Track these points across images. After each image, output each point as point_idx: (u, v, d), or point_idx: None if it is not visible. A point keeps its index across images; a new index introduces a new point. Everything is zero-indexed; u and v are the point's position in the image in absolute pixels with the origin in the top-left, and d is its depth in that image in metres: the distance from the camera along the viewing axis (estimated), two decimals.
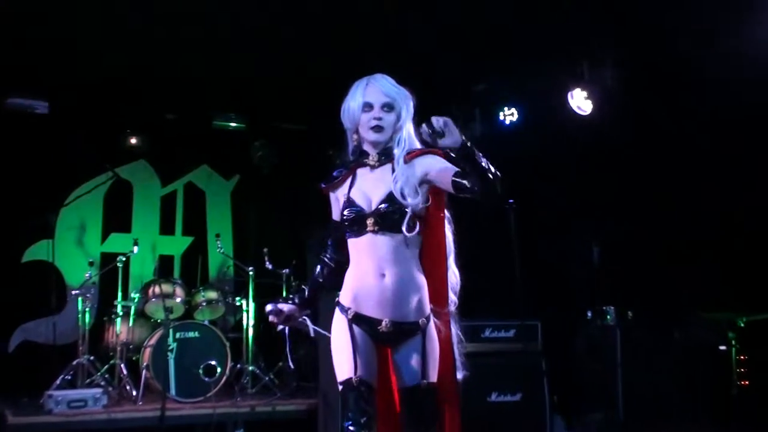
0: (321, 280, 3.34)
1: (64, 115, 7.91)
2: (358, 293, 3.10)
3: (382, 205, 3.07)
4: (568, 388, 6.48)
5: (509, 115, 7.38)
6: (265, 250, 7.69)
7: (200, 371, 6.87)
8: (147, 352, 6.92)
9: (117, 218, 8.64)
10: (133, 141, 8.46)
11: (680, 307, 6.30)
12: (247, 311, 7.62)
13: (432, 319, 3.13)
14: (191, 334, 7.03)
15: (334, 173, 3.27)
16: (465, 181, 2.92)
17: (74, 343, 7.24)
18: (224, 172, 9.24)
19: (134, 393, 6.71)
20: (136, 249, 7.50)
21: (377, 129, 3.13)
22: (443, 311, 3.16)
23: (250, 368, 7.37)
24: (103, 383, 6.84)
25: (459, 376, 3.19)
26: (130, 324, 7.29)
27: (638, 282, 6.56)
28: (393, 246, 3.05)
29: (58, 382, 6.65)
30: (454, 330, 3.20)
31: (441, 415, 3.11)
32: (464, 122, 7.67)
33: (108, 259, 7.93)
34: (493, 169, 2.89)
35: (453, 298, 3.21)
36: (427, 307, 3.12)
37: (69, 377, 6.81)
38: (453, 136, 2.85)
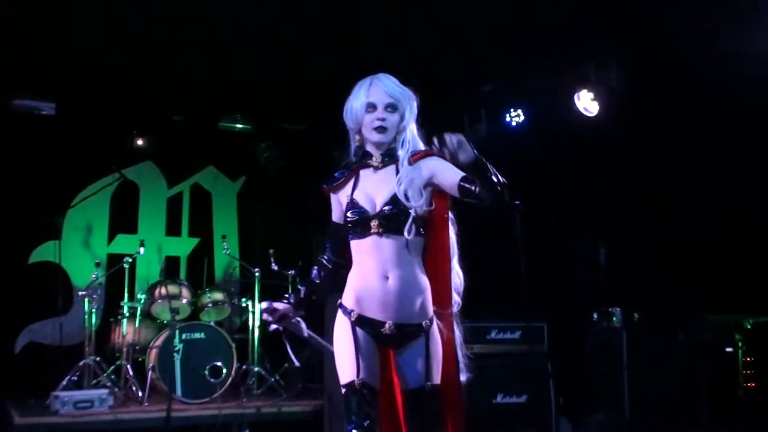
0: (317, 282, 3.30)
1: (71, 117, 7.93)
2: (361, 295, 3.08)
3: (386, 207, 3.06)
4: (574, 389, 6.47)
5: (515, 117, 7.36)
6: (271, 251, 7.70)
7: (206, 372, 6.87)
8: (153, 353, 6.93)
9: (123, 219, 8.67)
10: (140, 142, 8.49)
11: (686, 309, 6.27)
12: (253, 312, 7.62)
13: (435, 320, 3.11)
14: (197, 335, 7.04)
15: (336, 174, 3.25)
16: (472, 187, 2.91)
17: (80, 344, 7.27)
18: (230, 174, 9.26)
19: (140, 394, 6.72)
20: (142, 250, 7.52)
21: (380, 130, 3.10)
22: (446, 312, 3.14)
23: (256, 369, 7.38)
24: (109, 384, 6.85)
25: (462, 378, 3.17)
26: (137, 325, 7.30)
27: (645, 284, 6.54)
28: (397, 248, 3.03)
29: (64, 382, 6.66)
30: (457, 331, 3.17)
31: (444, 418, 3.08)
32: (470, 123, 7.68)
33: (114, 260, 7.96)
34: (501, 179, 2.87)
35: (456, 299, 3.18)
36: (431, 308, 3.10)
37: (75, 378, 6.82)
38: (466, 153, 2.84)
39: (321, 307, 4.57)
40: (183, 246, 8.96)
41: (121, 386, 6.98)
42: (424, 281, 3.10)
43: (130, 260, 7.46)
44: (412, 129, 3.17)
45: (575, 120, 6.66)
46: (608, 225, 6.95)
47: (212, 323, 7.31)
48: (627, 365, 6.16)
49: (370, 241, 3.06)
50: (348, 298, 3.12)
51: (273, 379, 7.26)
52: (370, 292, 3.05)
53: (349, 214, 3.12)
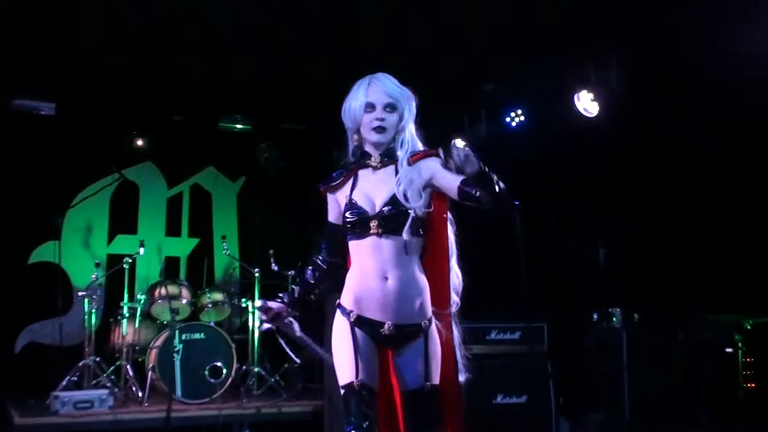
0: (312, 282, 3.26)
1: (71, 117, 7.93)
2: (360, 296, 3.07)
3: (386, 208, 3.05)
4: (574, 390, 6.46)
5: (516, 117, 7.36)
6: (271, 251, 7.69)
7: (206, 372, 6.88)
8: (153, 354, 6.93)
9: (123, 220, 8.67)
10: (140, 143, 8.49)
11: (686, 309, 6.27)
12: (253, 313, 7.61)
13: (434, 321, 3.10)
14: (197, 336, 7.04)
15: (334, 174, 3.23)
16: (472, 191, 2.89)
17: (80, 345, 7.27)
18: (230, 174, 9.26)
19: (140, 394, 6.72)
20: (142, 250, 7.52)
21: (379, 130, 3.10)
22: (445, 313, 3.13)
23: (256, 370, 7.38)
24: (109, 384, 6.85)
25: (461, 378, 3.16)
26: (137, 325, 7.30)
27: (645, 284, 6.54)
28: (396, 248, 3.03)
29: (64, 383, 6.66)
30: (456, 332, 3.16)
31: (443, 418, 3.08)
32: (470, 123, 7.68)
33: (114, 260, 7.96)
34: (503, 186, 2.86)
35: (455, 299, 3.18)
36: (429, 309, 3.10)
37: (75, 378, 6.83)
38: (472, 167, 2.81)
39: (320, 307, 4.56)
40: (183, 246, 8.96)
41: (121, 386, 6.98)
42: (423, 281, 3.09)
43: (130, 260, 7.47)
44: (411, 129, 3.16)
45: (575, 120, 6.65)
46: (608, 225, 6.94)
47: (212, 324, 7.32)
48: (627, 365, 6.15)
49: (369, 241, 3.05)
50: (347, 299, 3.11)
51: (273, 380, 7.26)
52: (370, 292, 3.04)
53: (348, 215, 3.11)
